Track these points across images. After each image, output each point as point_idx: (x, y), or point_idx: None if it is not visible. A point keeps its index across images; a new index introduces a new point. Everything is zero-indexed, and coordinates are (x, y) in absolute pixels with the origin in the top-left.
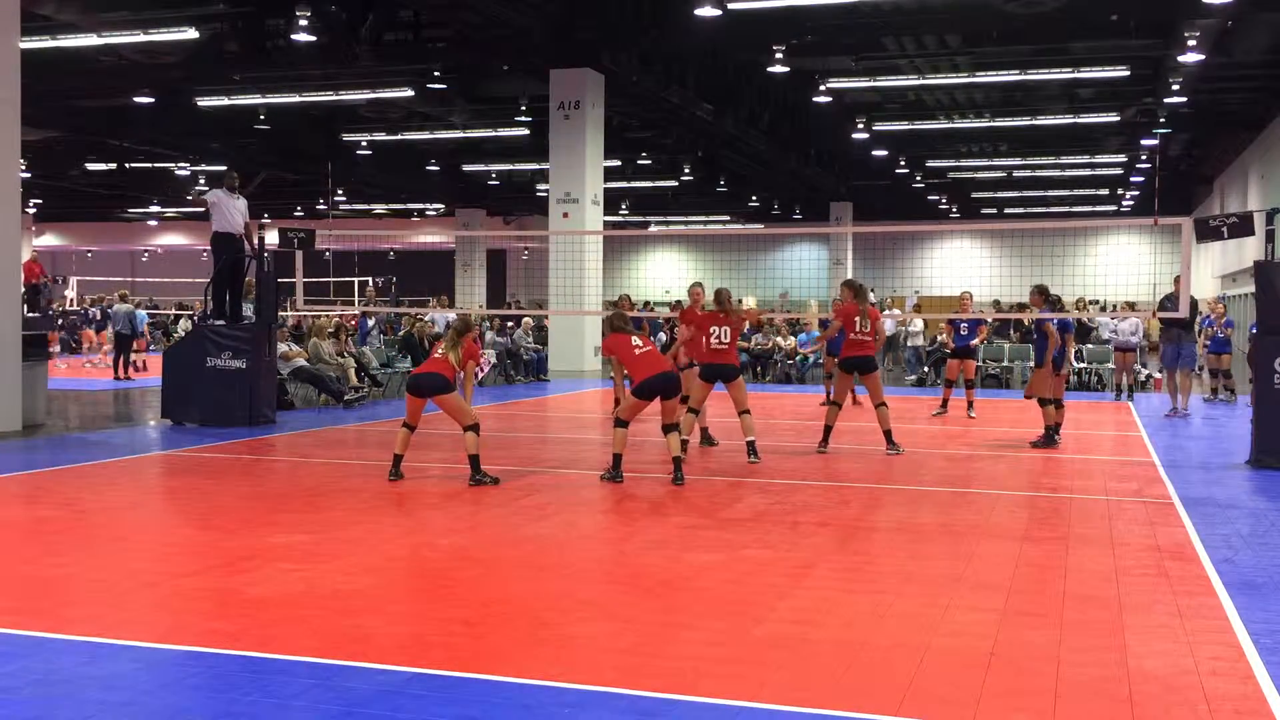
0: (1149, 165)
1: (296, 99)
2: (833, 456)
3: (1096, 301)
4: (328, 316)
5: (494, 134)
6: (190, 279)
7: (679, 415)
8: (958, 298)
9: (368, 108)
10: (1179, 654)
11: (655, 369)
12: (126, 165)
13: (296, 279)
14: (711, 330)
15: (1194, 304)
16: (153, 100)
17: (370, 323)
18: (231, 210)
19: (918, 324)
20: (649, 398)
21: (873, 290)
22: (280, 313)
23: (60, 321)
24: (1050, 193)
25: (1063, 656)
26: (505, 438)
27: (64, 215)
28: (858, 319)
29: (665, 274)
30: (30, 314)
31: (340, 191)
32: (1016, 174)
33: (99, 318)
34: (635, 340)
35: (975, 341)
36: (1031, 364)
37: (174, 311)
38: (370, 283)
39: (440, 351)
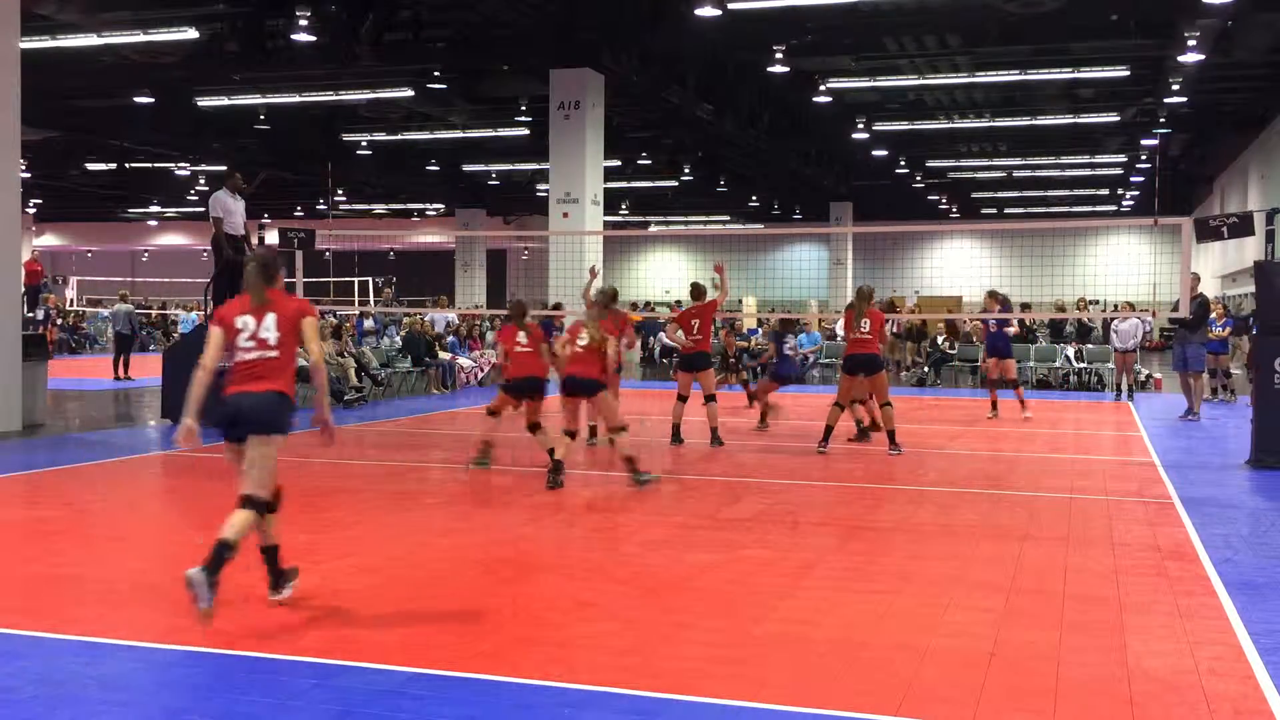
0: (1149, 165)
1: (296, 99)
2: (833, 456)
3: (1096, 302)
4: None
5: (494, 134)
6: (190, 279)
7: (540, 416)
8: (988, 297)
9: (368, 108)
10: (1179, 654)
11: (523, 371)
12: (126, 165)
13: (296, 279)
14: (691, 324)
15: (1206, 303)
16: (153, 100)
17: (367, 323)
18: (232, 211)
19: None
20: (515, 396)
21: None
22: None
23: (45, 317)
24: (1050, 193)
25: (1063, 656)
26: (505, 437)
27: (64, 215)
28: (858, 319)
29: (665, 274)
30: (28, 314)
31: (340, 191)
32: (1016, 174)
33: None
34: (520, 337)
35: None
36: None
37: (171, 311)
38: (383, 282)
39: (583, 339)
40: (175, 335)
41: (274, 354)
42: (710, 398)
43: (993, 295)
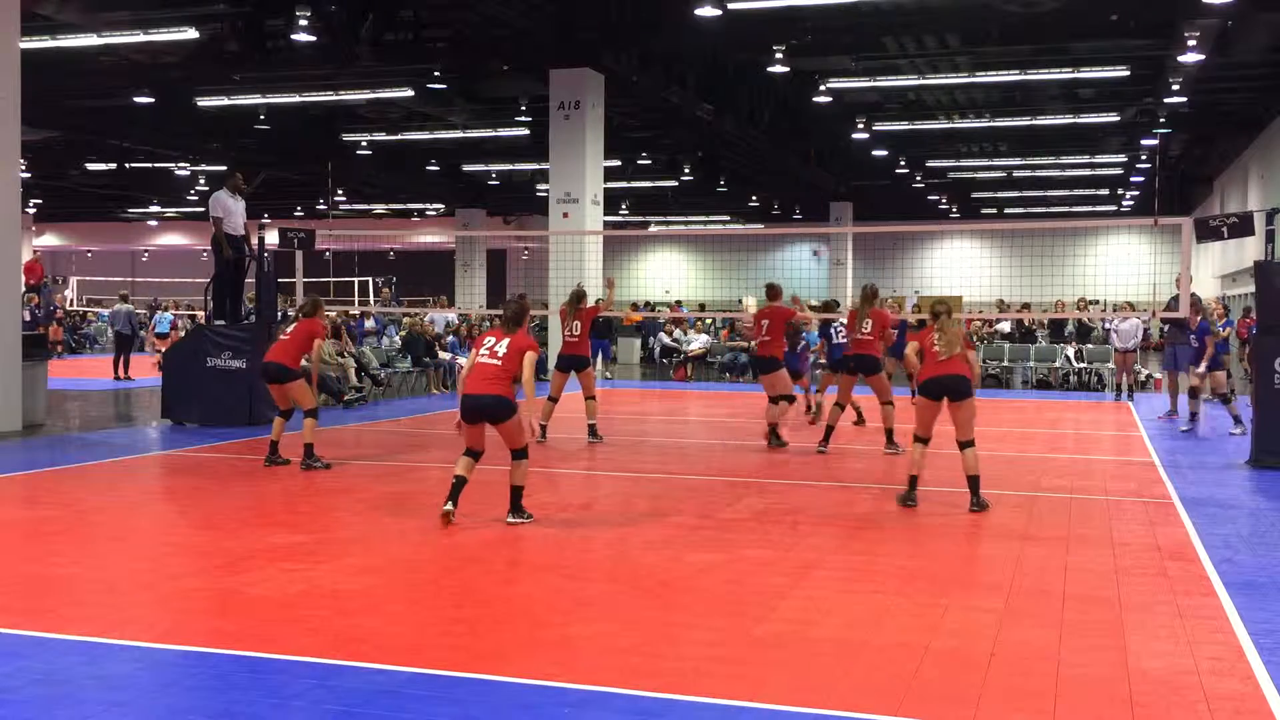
0: (1149, 165)
1: (296, 99)
2: (833, 456)
3: (1096, 302)
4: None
5: (494, 134)
6: (190, 279)
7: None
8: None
9: (368, 108)
10: (1179, 654)
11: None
12: (126, 165)
13: (296, 279)
14: (761, 325)
15: (1198, 303)
16: (153, 100)
17: (368, 323)
18: (232, 211)
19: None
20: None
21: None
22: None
23: (32, 319)
24: (1050, 193)
25: (1063, 656)
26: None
27: (64, 215)
28: (860, 320)
29: (665, 274)
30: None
31: (340, 191)
32: (1016, 174)
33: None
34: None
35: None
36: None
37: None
38: (383, 282)
39: (940, 347)
40: (152, 334)
41: (498, 363)
42: (779, 399)
43: (1194, 306)
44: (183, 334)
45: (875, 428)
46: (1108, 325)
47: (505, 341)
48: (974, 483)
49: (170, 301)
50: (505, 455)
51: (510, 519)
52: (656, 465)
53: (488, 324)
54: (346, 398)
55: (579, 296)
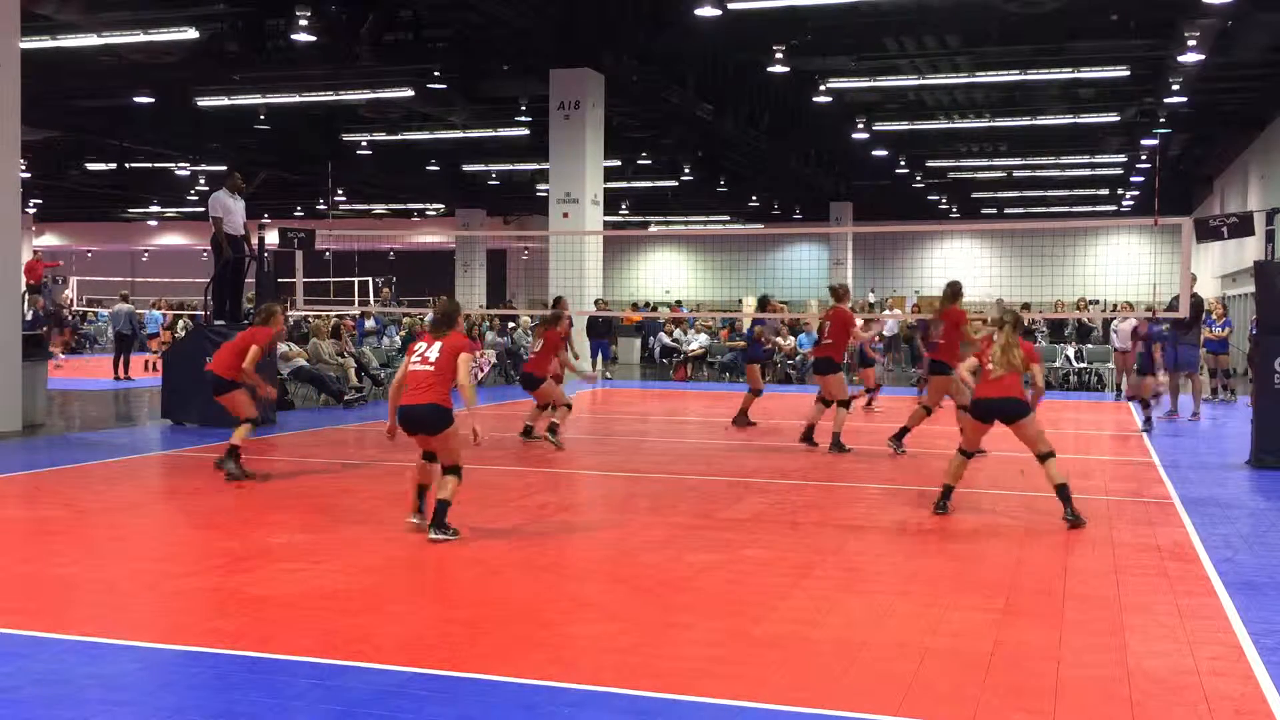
0: (1149, 165)
1: (296, 99)
2: (833, 456)
3: (1096, 302)
4: (340, 318)
5: (494, 134)
6: (190, 279)
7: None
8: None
9: (368, 108)
10: (1179, 654)
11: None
12: (126, 165)
13: (296, 279)
14: (824, 327)
15: (1199, 304)
16: (153, 100)
17: (368, 323)
18: (232, 211)
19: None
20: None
21: (872, 290)
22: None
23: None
24: (1050, 193)
25: (1063, 656)
26: (505, 438)
27: (64, 215)
28: (935, 323)
29: (665, 274)
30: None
31: (340, 191)
32: (1016, 174)
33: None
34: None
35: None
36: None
37: (173, 312)
38: (383, 283)
39: (994, 365)
40: (144, 333)
41: (431, 368)
42: (843, 404)
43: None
44: (178, 334)
45: (869, 428)
46: (1114, 328)
47: (437, 345)
48: (1062, 492)
49: (160, 300)
50: (503, 455)
51: (432, 534)
52: (656, 465)
53: (487, 324)
54: (346, 398)
55: (550, 320)
